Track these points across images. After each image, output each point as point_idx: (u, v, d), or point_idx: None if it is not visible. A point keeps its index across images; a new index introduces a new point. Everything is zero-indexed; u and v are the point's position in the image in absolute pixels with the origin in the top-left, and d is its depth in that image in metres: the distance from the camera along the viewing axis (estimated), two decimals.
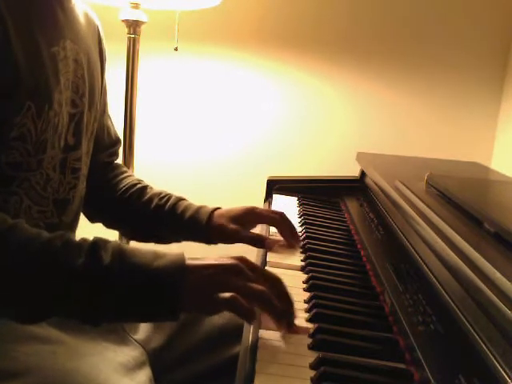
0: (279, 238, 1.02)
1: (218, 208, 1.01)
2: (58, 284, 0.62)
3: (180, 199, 1.03)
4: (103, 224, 1.07)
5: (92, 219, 1.08)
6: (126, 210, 1.05)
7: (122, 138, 1.17)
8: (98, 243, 0.65)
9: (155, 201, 1.02)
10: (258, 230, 1.06)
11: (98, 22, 1.02)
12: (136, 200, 1.04)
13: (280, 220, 1.01)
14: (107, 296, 0.63)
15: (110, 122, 1.10)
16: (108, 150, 1.09)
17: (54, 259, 0.63)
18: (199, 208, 1.00)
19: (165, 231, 1.03)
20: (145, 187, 1.06)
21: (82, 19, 0.93)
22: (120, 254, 0.65)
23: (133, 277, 0.64)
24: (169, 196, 1.04)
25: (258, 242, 0.93)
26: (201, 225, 0.97)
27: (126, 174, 1.10)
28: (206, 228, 0.97)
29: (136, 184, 1.06)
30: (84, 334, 0.80)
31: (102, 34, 1.03)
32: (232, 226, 0.96)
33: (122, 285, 0.63)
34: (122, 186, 1.06)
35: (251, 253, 0.89)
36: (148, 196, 1.04)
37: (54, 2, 0.83)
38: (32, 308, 0.64)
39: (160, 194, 1.04)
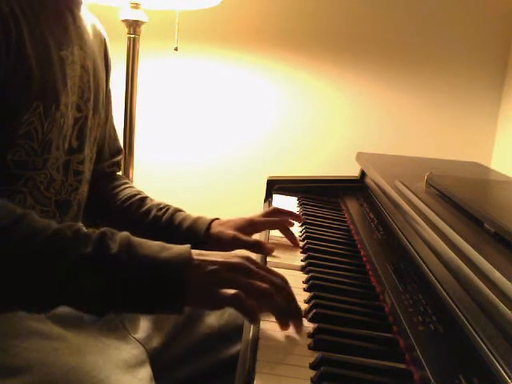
0: (279, 241, 1.02)
1: (217, 219, 1.01)
2: (65, 272, 0.62)
3: (178, 210, 1.04)
4: None
5: (91, 228, 1.09)
6: (125, 220, 1.05)
7: (121, 137, 1.18)
8: (107, 233, 0.66)
9: (153, 212, 1.03)
10: (257, 234, 1.06)
11: (104, 34, 1.04)
12: (134, 210, 1.04)
13: (280, 222, 1.02)
14: (112, 285, 0.63)
15: (112, 132, 1.12)
16: (110, 159, 1.10)
17: (63, 247, 0.63)
18: (197, 218, 1.01)
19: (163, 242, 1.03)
20: (144, 198, 1.07)
21: (89, 29, 0.95)
22: (127, 244, 0.66)
23: (139, 267, 0.64)
24: (167, 207, 1.04)
25: (256, 247, 0.93)
26: (199, 234, 0.97)
27: (126, 185, 1.11)
28: (204, 237, 0.97)
29: (135, 195, 1.07)
30: (85, 331, 0.80)
31: (108, 45, 1.05)
32: (230, 231, 0.96)
33: (128, 275, 0.64)
34: (121, 196, 1.07)
35: (251, 255, 0.88)
36: (146, 207, 1.04)
37: (64, 7, 0.86)
38: (39, 297, 0.64)
39: (159, 205, 1.05)
